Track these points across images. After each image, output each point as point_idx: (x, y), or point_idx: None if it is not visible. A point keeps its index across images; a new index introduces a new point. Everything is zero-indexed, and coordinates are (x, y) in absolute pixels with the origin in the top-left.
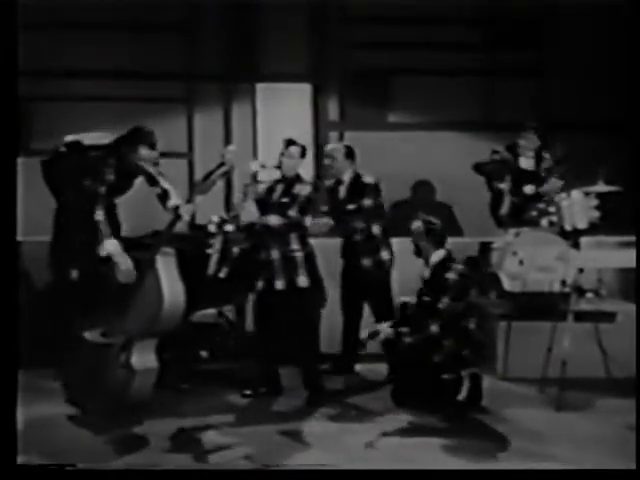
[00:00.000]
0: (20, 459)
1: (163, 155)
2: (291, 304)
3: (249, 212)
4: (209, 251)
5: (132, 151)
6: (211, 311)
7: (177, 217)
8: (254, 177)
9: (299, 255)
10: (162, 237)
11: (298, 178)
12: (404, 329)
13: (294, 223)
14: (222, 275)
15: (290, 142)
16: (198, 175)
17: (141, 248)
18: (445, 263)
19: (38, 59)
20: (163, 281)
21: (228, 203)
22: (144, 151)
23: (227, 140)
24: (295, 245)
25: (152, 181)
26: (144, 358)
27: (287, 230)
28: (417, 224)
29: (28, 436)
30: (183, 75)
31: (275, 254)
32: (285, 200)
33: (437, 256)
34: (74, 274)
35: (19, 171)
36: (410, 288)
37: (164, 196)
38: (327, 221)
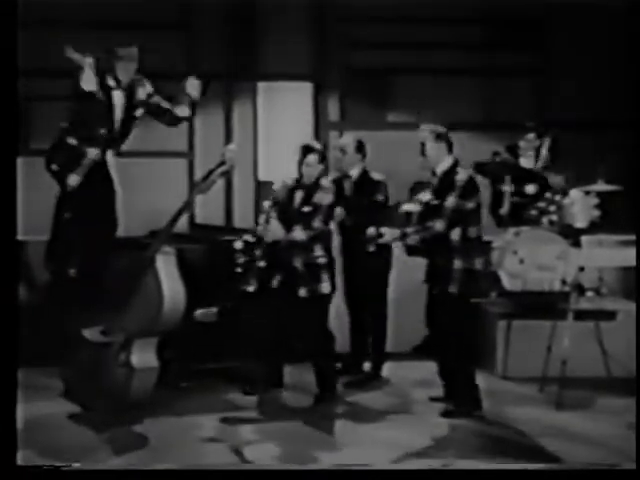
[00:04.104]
0: (20, 457)
1: (163, 155)
2: (312, 310)
3: (274, 232)
4: (238, 270)
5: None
6: (212, 309)
7: (176, 217)
8: (275, 199)
9: (323, 262)
10: (162, 236)
11: (318, 185)
12: (409, 229)
13: (320, 235)
14: (252, 289)
15: (307, 149)
16: (198, 174)
17: (141, 247)
18: (453, 169)
19: (38, 59)
20: (163, 280)
21: (228, 203)
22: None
23: (227, 139)
24: (319, 252)
25: (155, 109)
26: (144, 357)
27: (313, 243)
28: (425, 131)
29: (28, 434)
30: (183, 74)
31: (298, 261)
32: (307, 209)
33: (446, 163)
34: (73, 271)
35: (19, 171)
36: (406, 288)
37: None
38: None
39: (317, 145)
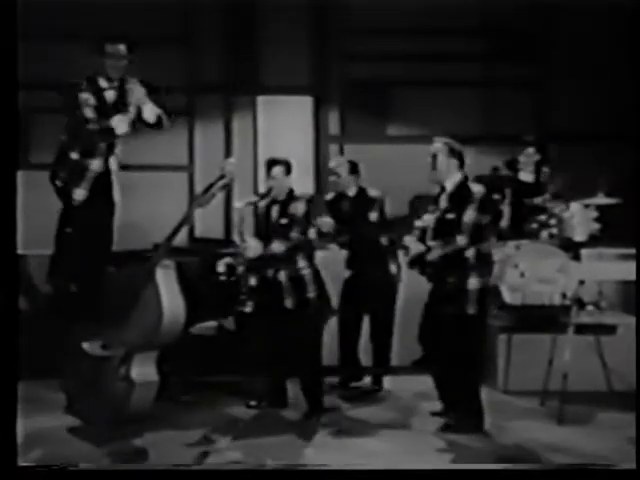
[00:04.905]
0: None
1: (163, 168)
2: (299, 321)
3: (252, 248)
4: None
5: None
6: (212, 323)
7: (175, 231)
8: (241, 218)
9: (307, 272)
10: (161, 249)
11: (291, 196)
12: (432, 243)
13: (298, 246)
14: (248, 310)
15: (272, 163)
16: (199, 188)
17: (141, 261)
18: (464, 184)
19: (38, 71)
20: (163, 294)
21: (228, 217)
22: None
23: (228, 153)
24: (302, 263)
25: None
26: (144, 370)
27: (293, 254)
28: (437, 144)
29: (27, 447)
30: (184, 88)
31: (282, 275)
32: (284, 221)
33: (456, 177)
34: (75, 286)
35: (19, 184)
36: (408, 302)
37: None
38: (329, 221)
39: (282, 158)
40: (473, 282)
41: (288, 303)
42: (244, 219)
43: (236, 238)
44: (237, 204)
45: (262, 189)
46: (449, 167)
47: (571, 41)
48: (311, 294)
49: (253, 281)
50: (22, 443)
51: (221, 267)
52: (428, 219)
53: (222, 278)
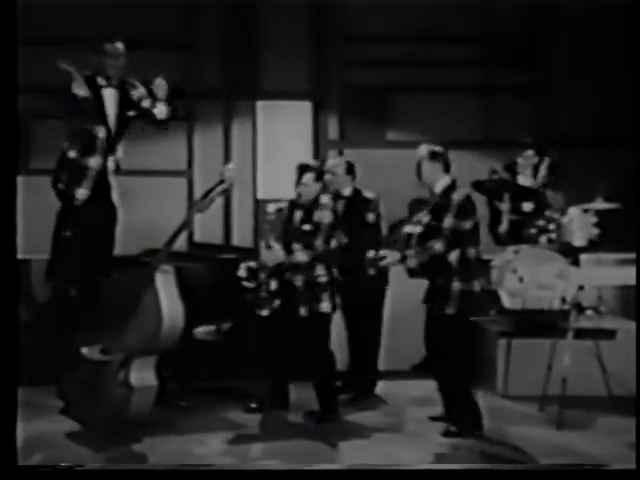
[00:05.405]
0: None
1: (163, 173)
2: (312, 327)
3: (274, 256)
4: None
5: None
6: (212, 328)
7: (175, 236)
8: (271, 222)
9: (323, 281)
10: (161, 254)
11: (317, 203)
12: (409, 252)
13: (322, 256)
14: (265, 313)
15: (304, 168)
16: (198, 193)
17: (140, 266)
18: (451, 189)
19: (37, 76)
20: (162, 299)
21: (227, 222)
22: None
23: (227, 158)
24: (320, 271)
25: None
26: (143, 376)
27: (316, 263)
28: (421, 150)
29: (27, 452)
30: (183, 92)
31: (299, 280)
32: (308, 228)
33: (443, 182)
34: (74, 290)
35: (19, 190)
36: (402, 307)
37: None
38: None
39: (314, 164)
40: (456, 284)
41: (302, 311)
42: (273, 224)
43: (261, 244)
44: (269, 208)
45: (261, 192)
46: (434, 171)
47: (571, 43)
48: (325, 303)
49: (274, 285)
50: (22, 447)
51: (242, 271)
52: (415, 225)
53: (244, 283)
